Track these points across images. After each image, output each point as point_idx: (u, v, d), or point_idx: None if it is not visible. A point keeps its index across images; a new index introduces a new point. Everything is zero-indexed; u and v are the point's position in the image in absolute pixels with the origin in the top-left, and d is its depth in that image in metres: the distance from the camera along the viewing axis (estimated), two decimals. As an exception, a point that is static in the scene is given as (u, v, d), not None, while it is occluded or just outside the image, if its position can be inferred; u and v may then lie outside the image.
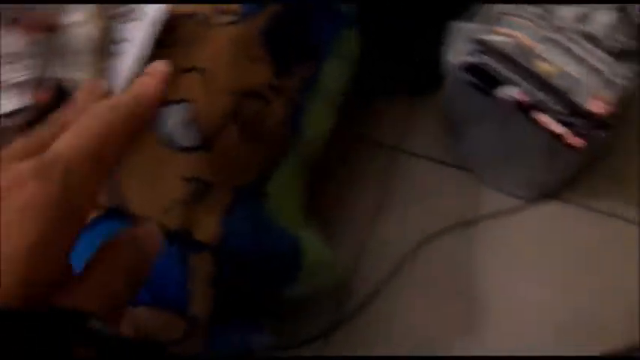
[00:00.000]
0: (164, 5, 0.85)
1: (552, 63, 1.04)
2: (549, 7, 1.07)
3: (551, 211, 1.46)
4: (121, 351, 0.30)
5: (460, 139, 1.43)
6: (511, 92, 1.08)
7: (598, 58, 1.03)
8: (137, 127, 0.38)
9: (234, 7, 0.90)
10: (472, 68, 1.10)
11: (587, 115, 1.04)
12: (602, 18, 1.05)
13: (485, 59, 1.09)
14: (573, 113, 1.06)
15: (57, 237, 0.31)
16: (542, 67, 1.05)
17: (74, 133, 0.34)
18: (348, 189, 1.53)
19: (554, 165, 1.20)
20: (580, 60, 1.04)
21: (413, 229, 1.48)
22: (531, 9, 1.07)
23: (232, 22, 0.89)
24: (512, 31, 1.06)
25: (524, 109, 1.08)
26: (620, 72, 1.03)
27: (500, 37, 1.07)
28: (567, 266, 1.43)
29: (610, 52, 1.03)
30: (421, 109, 1.53)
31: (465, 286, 1.44)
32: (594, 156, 1.25)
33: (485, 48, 1.09)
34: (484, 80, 1.10)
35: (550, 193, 1.45)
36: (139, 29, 0.83)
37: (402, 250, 1.45)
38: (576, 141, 1.06)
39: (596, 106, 1.03)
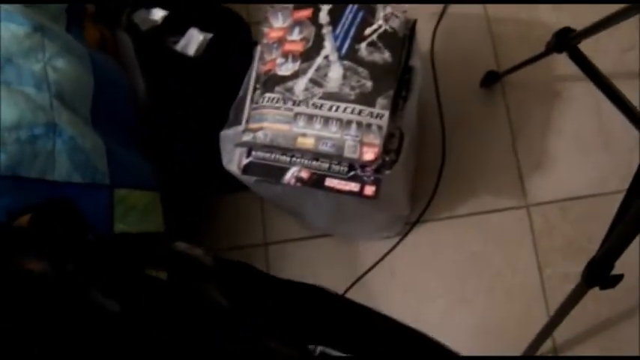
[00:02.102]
0: None
1: (309, 135, 1.06)
2: (288, 85, 1.09)
3: (423, 234, 1.47)
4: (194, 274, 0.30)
5: (299, 215, 1.44)
6: (295, 173, 1.09)
7: (345, 110, 1.05)
8: None
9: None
10: (251, 166, 1.11)
11: (365, 164, 1.06)
12: (333, 74, 1.08)
13: (256, 155, 1.11)
14: (352, 168, 1.07)
15: None
16: (304, 142, 1.07)
17: None
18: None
19: (381, 206, 1.21)
20: (332, 120, 1.06)
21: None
22: (269, 95, 1.09)
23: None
24: (261, 123, 1.08)
25: (313, 182, 1.09)
26: (371, 112, 1.05)
27: (253, 133, 1.09)
28: (462, 275, 1.44)
29: (352, 101, 1.05)
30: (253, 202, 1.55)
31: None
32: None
33: (249, 146, 1.11)
34: (268, 173, 1.11)
35: (411, 219, 1.47)
36: None
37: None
38: (369, 190, 1.07)
39: (368, 153, 1.05)
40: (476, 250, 1.45)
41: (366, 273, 1.47)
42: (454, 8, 1.65)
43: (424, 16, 1.60)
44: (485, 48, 1.61)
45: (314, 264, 1.50)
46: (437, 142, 1.52)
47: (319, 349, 0.62)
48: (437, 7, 1.64)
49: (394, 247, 1.47)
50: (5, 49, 1.03)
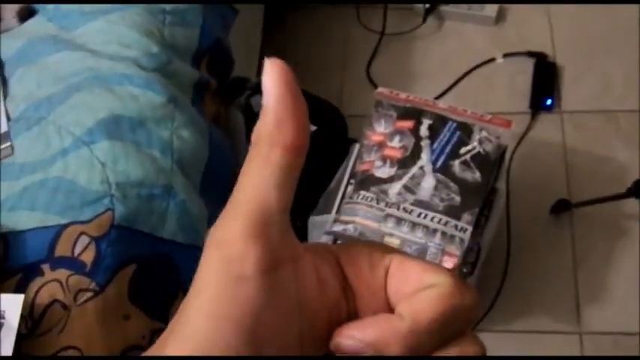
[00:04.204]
0: (20, 302, 0.96)
1: (396, 235, 1.15)
2: (383, 187, 1.19)
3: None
4: None
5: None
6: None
7: (432, 219, 1.14)
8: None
9: (86, 282, 1.00)
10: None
11: (442, 271, 1.14)
12: (426, 184, 1.17)
13: (341, 245, 1.20)
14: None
15: None
16: (390, 241, 1.15)
17: None
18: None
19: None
20: (419, 226, 1.15)
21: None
22: (364, 192, 1.19)
23: (91, 298, 1.00)
24: (353, 217, 1.18)
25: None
26: (455, 225, 1.14)
27: (344, 225, 1.18)
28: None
29: (440, 212, 1.14)
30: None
31: None
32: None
33: (338, 236, 1.20)
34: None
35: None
36: (4, 339, 0.93)
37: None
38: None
39: (447, 262, 1.13)
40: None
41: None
42: (534, 132, 1.75)
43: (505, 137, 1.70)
44: (559, 176, 1.69)
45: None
46: (501, 258, 1.60)
47: None
48: (519, 129, 1.73)
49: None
50: (141, 113, 1.16)
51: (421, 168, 1.19)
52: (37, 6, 1.33)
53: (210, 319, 0.27)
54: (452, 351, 0.30)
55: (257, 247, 0.28)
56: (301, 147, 0.30)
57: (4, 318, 0.95)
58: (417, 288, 0.30)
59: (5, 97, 1.21)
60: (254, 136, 0.30)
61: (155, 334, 1.07)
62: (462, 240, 1.13)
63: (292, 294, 0.29)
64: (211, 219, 1.21)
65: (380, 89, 1.32)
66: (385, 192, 1.18)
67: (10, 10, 1.31)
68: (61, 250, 1.02)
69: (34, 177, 1.09)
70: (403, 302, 0.30)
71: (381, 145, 1.24)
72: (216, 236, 0.29)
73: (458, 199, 1.16)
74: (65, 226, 1.03)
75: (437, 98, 1.78)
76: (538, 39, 1.90)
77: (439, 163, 1.19)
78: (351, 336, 0.30)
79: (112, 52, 1.21)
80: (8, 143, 1.14)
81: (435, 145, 1.21)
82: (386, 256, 0.32)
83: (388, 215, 1.16)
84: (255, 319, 0.28)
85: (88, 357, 0.98)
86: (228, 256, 0.28)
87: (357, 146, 1.30)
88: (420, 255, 1.13)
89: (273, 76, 0.30)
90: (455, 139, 1.22)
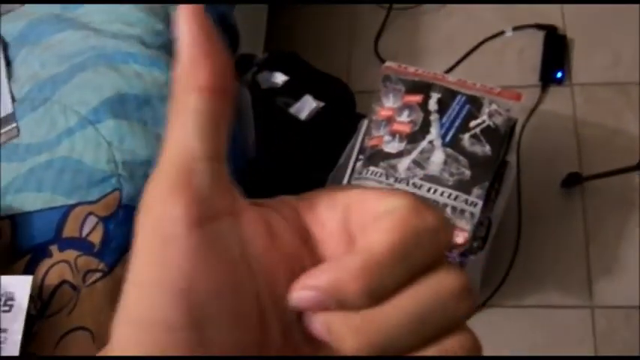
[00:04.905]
0: (29, 284, 0.96)
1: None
2: (392, 162, 1.18)
3: (487, 318, 1.52)
4: None
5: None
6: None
7: (442, 193, 1.13)
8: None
9: (95, 263, 1.00)
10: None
11: (453, 247, 1.13)
12: (435, 158, 1.16)
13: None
14: (440, 248, 1.14)
15: None
16: (399, 217, 1.14)
17: None
18: None
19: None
20: (429, 201, 1.13)
21: None
22: (373, 168, 1.18)
23: (100, 279, 1.00)
24: (362, 194, 1.17)
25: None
26: (466, 199, 1.13)
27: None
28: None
29: (450, 186, 1.13)
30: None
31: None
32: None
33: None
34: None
35: (480, 302, 1.52)
36: (14, 320, 0.93)
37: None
38: (452, 271, 1.14)
39: (458, 236, 1.12)
40: (536, 343, 1.49)
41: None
42: (544, 106, 1.73)
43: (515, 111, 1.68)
44: (570, 149, 1.67)
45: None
46: (512, 232, 1.58)
47: None
48: (529, 102, 1.71)
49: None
50: (146, 91, 1.14)
51: (430, 142, 1.18)
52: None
53: (139, 287, 0.25)
54: (426, 284, 0.26)
55: (182, 199, 0.25)
56: (220, 90, 0.26)
57: (13, 299, 0.95)
58: (373, 219, 0.27)
59: (10, 78, 1.20)
60: (173, 85, 0.27)
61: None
62: (472, 214, 1.12)
63: (234, 250, 0.26)
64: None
65: (388, 63, 1.31)
66: (394, 167, 1.17)
67: (12, -10, 1.29)
68: (69, 230, 1.02)
69: (40, 158, 1.08)
70: (358, 237, 0.27)
71: (389, 120, 1.22)
72: (144, 200, 0.26)
73: (468, 173, 1.14)
74: (73, 206, 1.03)
75: (446, 73, 1.76)
76: (548, 11, 1.87)
77: (448, 137, 1.18)
78: (305, 285, 0.26)
79: (116, 31, 1.20)
80: (14, 124, 1.13)
81: (445, 119, 1.19)
82: (345, 193, 0.29)
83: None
84: (189, 281, 0.24)
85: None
86: (155, 216, 0.25)
87: (365, 122, 1.28)
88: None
89: (186, 18, 0.27)
90: (464, 112, 1.20)
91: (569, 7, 1.87)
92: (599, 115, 1.71)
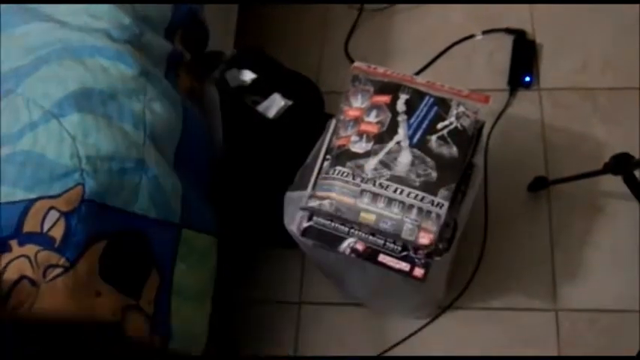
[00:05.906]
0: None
1: (372, 211, 1.14)
2: (359, 162, 1.17)
3: (453, 320, 1.53)
4: None
5: (340, 282, 1.51)
6: (351, 244, 1.16)
7: (409, 194, 1.13)
8: None
9: (56, 258, 0.98)
10: (311, 230, 1.19)
11: (419, 248, 1.13)
12: (402, 159, 1.16)
13: (317, 221, 1.18)
14: (406, 249, 1.14)
15: None
16: (366, 217, 1.14)
17: None
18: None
19: (420, 288, 1.27)
20: (395, 202, 1.13)
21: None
22: (340, 168, 1.18)
23: (61, 274, 0.98)
24: (328, 193, 1.16)
25: (367, 256, 1.16)
26: (432, 201, 1.13)
27: (319, 200, 1.16)
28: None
29: (416, 187, 1.13)
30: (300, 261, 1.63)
31: None
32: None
33: (313, 212, 1.18)
34: (325, 239, 1.19)
35: (444, 304, 1.53)
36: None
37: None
38: (418, 272, 1.14)
39: (423, 238, 1.12)
40: (500, 345, 1.50)
41: (391, 348, 1.52)
42: (512, 110, 1.74)
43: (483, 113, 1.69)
44: (537, 153, 1.69)
45: (342, 330, 1.56)
46: (478, 235, 1.59)
47: None
48: (498, 106, 1.72)
49: (422, 327, 1.53)
50: (112, 86, 1.13)
51: (398, 143, 1.18)
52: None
53: None
54: None
55: None
56: None
57: (-30, 294, 0.93)
58: None
59: (-27, 70, 1.18)
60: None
61: (126, 311, 1.05)
62: (438, 216, 1.12)
63: None
64: (185, 194, 1.19)
65: (357, 63, 1.30)
66: (361, 167, 1.17)
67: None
68: (30, 225, 1.00)
69: (1, 151, 1.06)
70: None
71: (357, 120, 1.22)
72: None
73: (434, 174, 1.14)
74: (34, 200, 1.01)
75: (415, 74, 1.76)
76: (517, 16, 1.89)
77: (416, 138, 1.18)
78: None
79: (82, 24, 1.18)
80: (-25, 117, 1.11)
81: (412, 120, 1.20)
82: None
83: (364, 191, 1.15)
84: None
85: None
86: None
87: (333, 121, 1.28)
88: (396, 230, 1.12)
89: None
90: (432, 114, 1.20)
91: (538, 13, 1.88)
92: (566, 120, 1.73)
